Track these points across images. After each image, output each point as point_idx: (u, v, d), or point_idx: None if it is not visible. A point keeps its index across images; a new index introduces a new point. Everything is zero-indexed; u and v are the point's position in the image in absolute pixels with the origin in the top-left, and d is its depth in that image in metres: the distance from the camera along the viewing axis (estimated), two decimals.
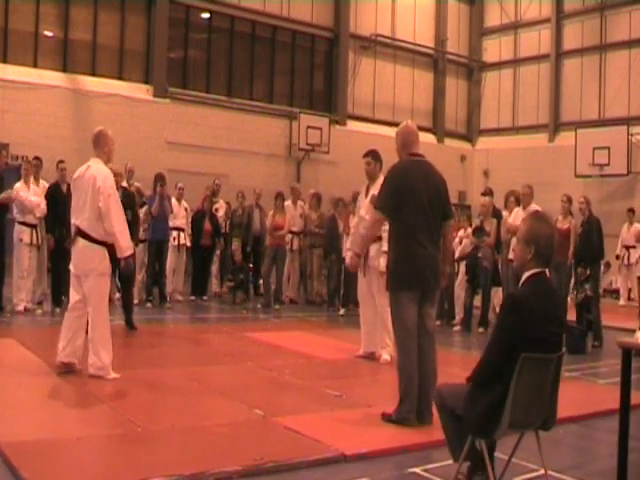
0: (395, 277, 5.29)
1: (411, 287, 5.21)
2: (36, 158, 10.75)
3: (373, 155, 7.76)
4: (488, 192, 10.99)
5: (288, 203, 13.01)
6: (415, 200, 5.20)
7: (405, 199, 5.20)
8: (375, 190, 6.73)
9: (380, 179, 6.71)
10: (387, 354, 7.59)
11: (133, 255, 6.73)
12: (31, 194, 10.12)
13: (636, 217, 15.77)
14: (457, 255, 11.00)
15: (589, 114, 21.50)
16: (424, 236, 5.21)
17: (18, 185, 10.05)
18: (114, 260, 6.35)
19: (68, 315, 6.36)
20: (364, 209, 7.65)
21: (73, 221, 6.34)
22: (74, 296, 6.33)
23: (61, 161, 10.58)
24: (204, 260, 12.90)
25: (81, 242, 6.21)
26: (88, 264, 6.17)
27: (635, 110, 20.21)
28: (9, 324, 9.26)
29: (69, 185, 8.07)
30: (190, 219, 12.83)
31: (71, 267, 6.37)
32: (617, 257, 15.69)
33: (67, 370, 6.27)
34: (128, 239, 6.32)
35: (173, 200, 12.22)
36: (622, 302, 15.72)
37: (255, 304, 12.73)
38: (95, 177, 6.14)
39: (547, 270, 3.67)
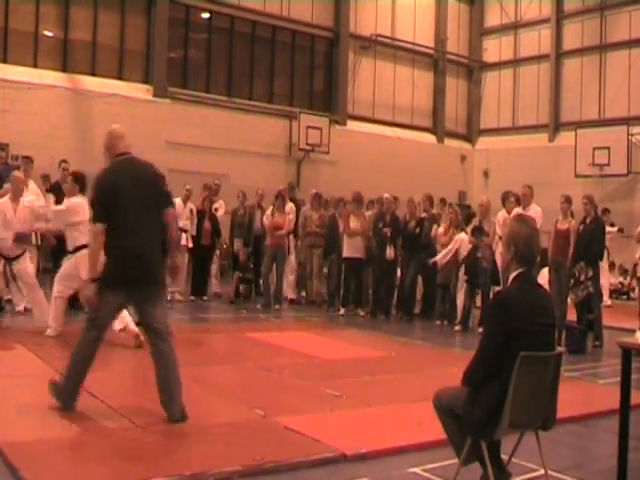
0: (103, 275, 5.23)
1: (113, 288, 5.15)
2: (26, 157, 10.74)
3: None
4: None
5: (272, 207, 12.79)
6: (123, 199, 5.13)
7: (112, 201, 5.13)
8: None
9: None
10: None
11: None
12: (29, 194, 10.09)
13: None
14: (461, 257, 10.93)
15: (589, 114, 21.50)
16: (135, 235, 5.14)
17: None
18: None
19: None
20: None
21: None
22: None
23: (64, 161, 10.59)
24: (204, 260, 12.88)
25: None
26: None
27: (635, 110, 20.21)
28: (9, 324, 9.25)
29: None
30: (195, 220, 12.74)
31: None
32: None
33: None
34: None
35: (178, 200, 12.13)
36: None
37: (255, 304, 12.72)
38: None
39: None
